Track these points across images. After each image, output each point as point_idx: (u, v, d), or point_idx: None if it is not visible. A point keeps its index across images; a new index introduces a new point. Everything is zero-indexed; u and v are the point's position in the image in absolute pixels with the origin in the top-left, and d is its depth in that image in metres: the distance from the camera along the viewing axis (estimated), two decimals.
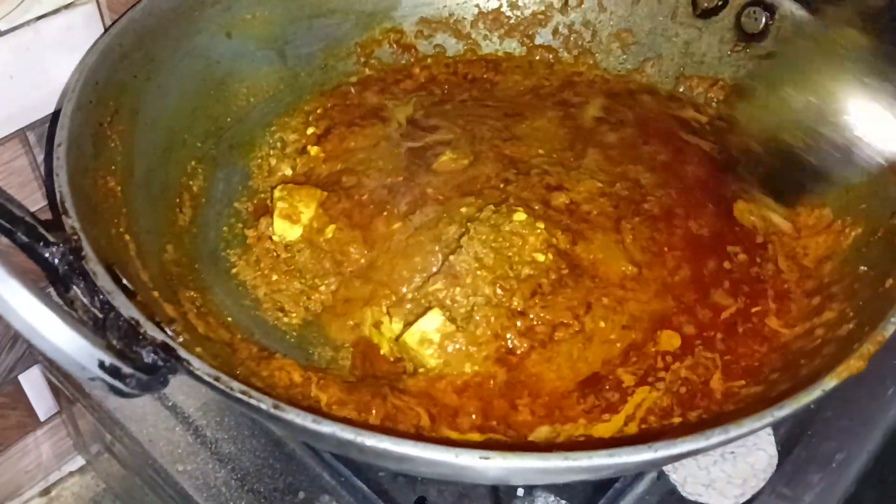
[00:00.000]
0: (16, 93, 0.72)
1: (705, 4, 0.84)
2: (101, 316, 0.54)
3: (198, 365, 0.50)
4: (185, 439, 0.73)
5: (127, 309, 0.52)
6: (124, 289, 0.55)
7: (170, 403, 0.75)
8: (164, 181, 0.73)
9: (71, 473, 1.01)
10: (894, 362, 0.79)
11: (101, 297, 0.53)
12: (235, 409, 0.73)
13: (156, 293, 0.62)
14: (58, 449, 0.98)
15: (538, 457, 0.47)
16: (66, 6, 0.72)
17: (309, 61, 0.87)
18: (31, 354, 0.86)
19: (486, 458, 0.46)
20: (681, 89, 0.86)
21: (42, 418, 0.93)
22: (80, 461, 1.01)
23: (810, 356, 0.59)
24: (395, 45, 0.89)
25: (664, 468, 0.66)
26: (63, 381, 0.82)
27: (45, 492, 1.00)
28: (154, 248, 0.67)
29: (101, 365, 0.46)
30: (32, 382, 0.89)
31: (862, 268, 0.64)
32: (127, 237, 0.64)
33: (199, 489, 0.70)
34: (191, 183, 0.76)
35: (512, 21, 0.91)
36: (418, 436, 0.59)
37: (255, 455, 0.72)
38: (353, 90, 0.85)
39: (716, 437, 0.48)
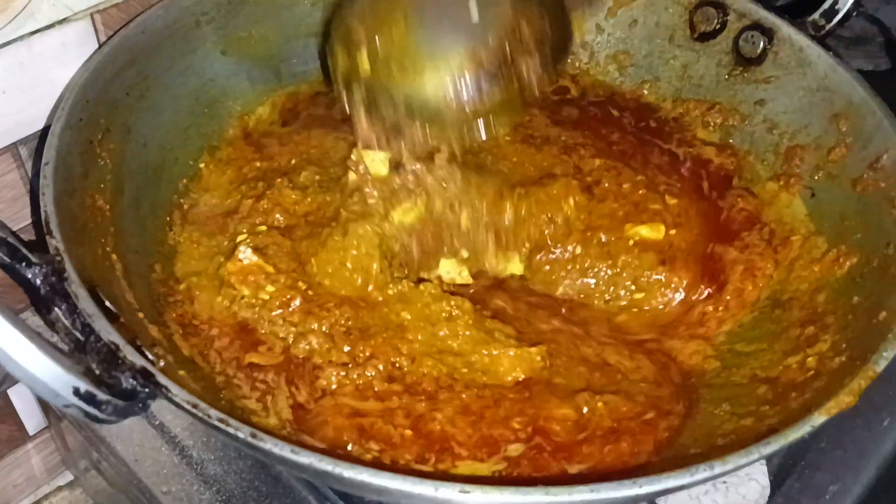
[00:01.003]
0: (8, 107, 0.72)
1: (703, 28, 0.83)
2: (82, 339, 0.53)
3: (176, 391, 0.49)
4: (170, 460, 0.73)
5: (107, 333, 0.51)
6: (106, 311, 0.54)
7: (156, 423, 0.74)
8: (155, 200, 0.73)
9: (60, 488, 1.01)
10: (890, 393, 0.78)
11: (83, 319, 0.53)
12: None
13: (141, 314, 0.61)
14: (48, 463, 0.97)
15: (519, 491, 0.46)
16: (60, 22, 0.72)
17: (305, 79, 0.86)
18: None
19: (466, 493, 0.45)
20: (679, 111, 0.85)
21: (31, 432, 0.93)
22: (69, 476, 1.00)
23: (801, 389, 0.58)
24: None
25: None
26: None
27: None
28: (141, 268, 0.67)
29: (76, 392, 0.46)
30: (22, 396, 0.89)
31: (856, 298, 0.63)
32: (114, 257, 0.63)
33: None
34: (182, 201, 0.75)
35: None
36: (396, 467, 0.58)
37: (241, 477, 0.71)
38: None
39: (700, 473, 0.47)
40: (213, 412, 0.48)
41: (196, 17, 0.78)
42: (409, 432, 0.61)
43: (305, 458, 0.47)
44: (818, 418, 0.50)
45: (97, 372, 0.51)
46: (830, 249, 0.69)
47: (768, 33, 0.79)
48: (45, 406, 0.91)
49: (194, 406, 0.49)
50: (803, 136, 0.76)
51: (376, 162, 0.73)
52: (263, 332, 0.66)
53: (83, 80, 0.67)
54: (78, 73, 0.68)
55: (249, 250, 0.67)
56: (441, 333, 0.67)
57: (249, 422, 0.49)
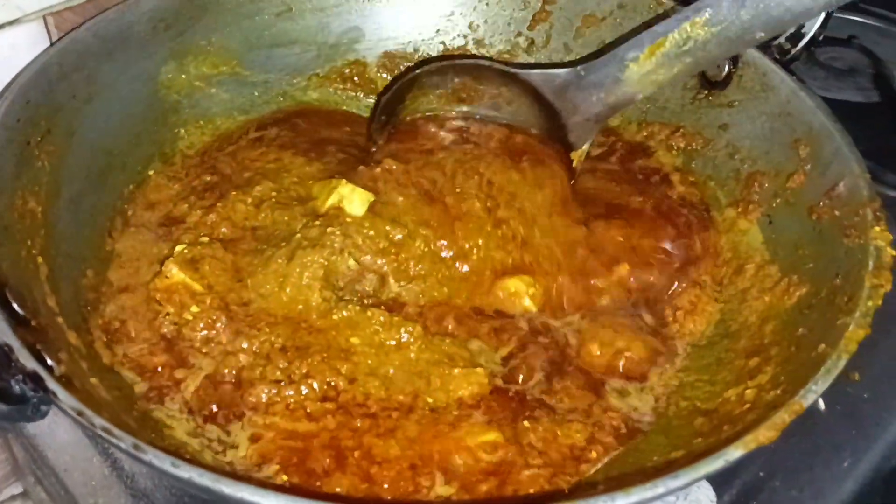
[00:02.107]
0: None
1: None
2: None
3: (63, 397, 0.48)
4: (101, 471, 0.71)
5: (3, 334, 0.50)
6: (12, 313, 0.53)
7: (90, 433, 0.73)
8: (96, 204, 0.72)
9: (13, 497, 0.99)
10: (853, 432, 0.75)
11: None
12: None
13: (60, 319, 0.60)
14: (2, 470, 0.96)
15: None
16: (11, 23, 0.72)
17: (266, 90, 0.86)
18: None
19: None
20: (643, 134, 0.83)
21: None
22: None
23: (735, 422, 0.56)
24: (356, 79, 0.88)
25: None
26: None
27: None
28: (72, 272, 0.66)
29: None
30: None
31: (801, 330, 0.61)
32: (39, 259, 0.62)
33: None
34: (126, 207, 0.74)
35: None
36: (281, 487, 0.56)
37: (171, 492, 0.69)
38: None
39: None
40: (98, 420, 0.47)
41: (153, 23, 0.77)
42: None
43: (185, 472, 0.45)
44: (734, 452, 0.47)
45: None
46: (783, 279, 0.67)
47: (733, 57, 0.77)
48: None
49: (79, 413, 0.47)
50: (764, 161, 0.74)
51: (356, 200, 0.72)
52: (188, 347, 0.64)
53: (24, 80, 0.67)
54: (21, 73, 0.67)
55: (176, 268, 0.66)
56: (391, 360, 0.66)
57: (136, 433, 0.47)
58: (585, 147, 0.76)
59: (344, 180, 0.73)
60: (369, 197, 0.72)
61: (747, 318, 0.67)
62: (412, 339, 0.66)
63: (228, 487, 0.44)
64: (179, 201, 0.76)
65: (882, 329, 0.76)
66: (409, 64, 0.89)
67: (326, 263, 0.68)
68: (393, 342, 0.66)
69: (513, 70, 0.77)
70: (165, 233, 0.74)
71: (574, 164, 0.77)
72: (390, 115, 0.80)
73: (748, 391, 0.59)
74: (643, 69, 0.69)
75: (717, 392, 0.62)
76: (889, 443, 0.73)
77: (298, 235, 0.70)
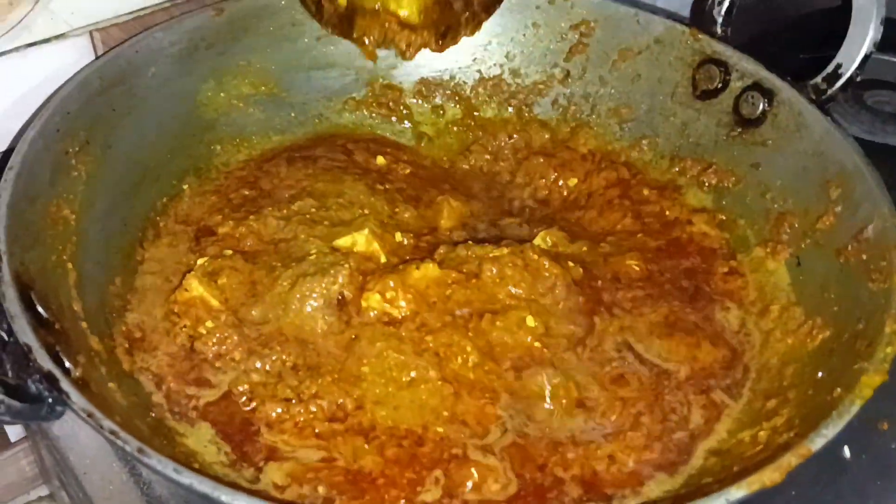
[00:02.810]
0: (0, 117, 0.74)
1: (705, 86, 0.81)
2: (7, 339, 0.54)
3: (75, 398, 0.49)
4: (119, 477, 0.72)
5: (23, 335, 0.52)
6: (35, 316, 0.55)
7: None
8: (129, 215, 0.73)
9: (40, 498, 1.01)
10: (878, 482, 0.73)
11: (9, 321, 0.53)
12: None
13: (84, 324, 0.61)
14: (30, 472, 0.98)
15: None
16: (58, 37, 0.74)
17: (303, 111, 0.87)
18: None
19: None
20: (675, 170, 0.83)
21: (13, 439, 0.94)
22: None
23: (745, 462, 0.55)
24: (391, 104, 0.89)
25: None
26: None
27: None
28: (100, 279, 0.67)
29: None
30: None
31: (820, 374, 0.59)
32: (69, 265, 0.64)
33: None
34: (158, 219, 0.76)
35: (512, 88, 0.90)
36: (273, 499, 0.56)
37: (186, 501, 0.70)
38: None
39: None
40: (107, 423, 0.48)
41: (195, 42, 0.79)
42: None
43: (186, 479, 0.46)
44: (736, 492, 0.46)
45: (9, 371, 0.51)
46: (807, 321, 0.66)
47: (768, 94, 0.76)
48: None
49: (89, 415, 0.48)
50: (794, 201, 0.73)
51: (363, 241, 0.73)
52: (202, 361, 0.66)
53: (66, 92, 0.69)
54: (63, 86, 0.70)
55: (196, 282, 0.67)
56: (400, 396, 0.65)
57: (142, 438, 0.48)
58: None
59: (367, 231, 0.73)
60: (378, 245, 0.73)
61: (769, 360, 0.66)
62: (424, 380, 0.65)
63: (226, 496, 0.45)
64: (213, 213, 0.77)
65: None
66: (445, 91, 0.90)
67: (328, 293, 0.68)
68: (406, 379, 0.65)
69: None
70: (195, 245, 0.75)
71: None
72: None
73: (762, 433, 0.58)
74: None
75: (734, 432, 0.61)
76: None
77: (312, 256, 0.71)
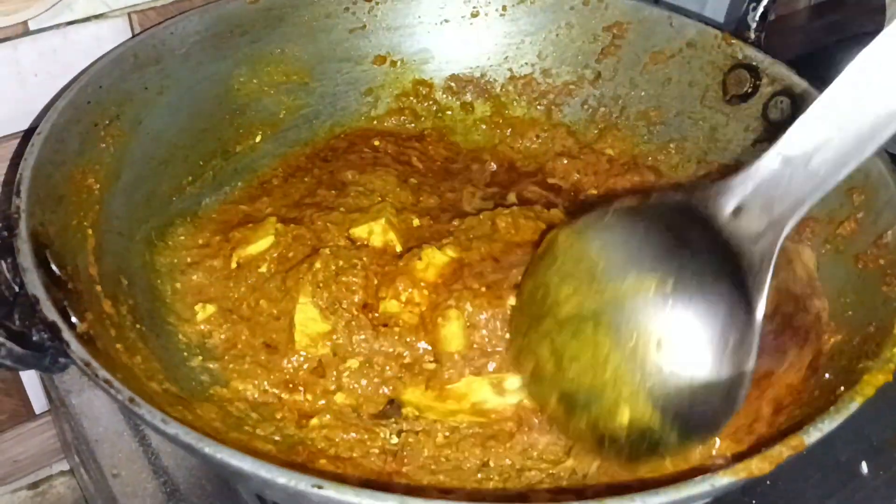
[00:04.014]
0: (38, 91, 0.77)
1: (735, 90, 0.80)
2: (18, 291, 0.55)
3: (74, 347, 0.50)
4: (129, 445, 0.74)
5: (32, 287, 0.53)
6: (47, 271, 0.56)
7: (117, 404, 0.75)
8: (153, 191, 0.75)
9: (62, 472, 1.03)
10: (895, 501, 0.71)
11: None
12: None
13: (98, 287, 0.63)
14: (51, 445, 1.00)
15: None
16: (97, 16, 0.77)
17: (332, 102, 0.88)
18: None
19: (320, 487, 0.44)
20: (701, 174, 0.82)
21: (37, 411, 0.96)
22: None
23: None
24: (421, 99, 0.90)
25: None
26: (50, 384, 0.84)
27: (34, 486, 1.02)
28: (118, 248, 0.69)
29: None
30: (30, 375, 0.92)
31: (827, 375, 0.58)
32: (89, 231, 0.66)
33: (126, 495, 0.70)
34: (179, 199, 0.77)
35: (543, 88, 0.90)
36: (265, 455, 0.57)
37: (190, 473, 0.71)
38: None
39: None
40: (102, 372, 0.49)
41: (230, 28, 0.81)
42: None
43: (172, 429, 0.46)
44: (721, 479, 0.45)
45: (16, 322, 0.53)
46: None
47: (799, 100, 0.75)
48: (47, 391, 0.94)
49: (86, 364, 0.49)
50: (817, 207, 0.71)
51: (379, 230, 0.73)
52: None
53: (100, 66, 0.71)
54: (97, 60, 0.72)
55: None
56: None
57: (134, 388, 0.49)
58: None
59: (384, 220, 0.73)
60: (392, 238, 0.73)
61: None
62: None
63: (209, 447, 0.45)
64: (239, 201, 0.80)
65: None
66: (476, 88, 0.90)
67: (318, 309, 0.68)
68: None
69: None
70: (214, 229, 0.77)
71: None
72: None
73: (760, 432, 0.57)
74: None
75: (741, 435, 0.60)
76: None
77: (327, 251, 0.70)
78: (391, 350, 0.67)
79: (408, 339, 0.67)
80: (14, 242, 0.56)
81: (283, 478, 0.44)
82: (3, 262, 0.56)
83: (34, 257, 0.56)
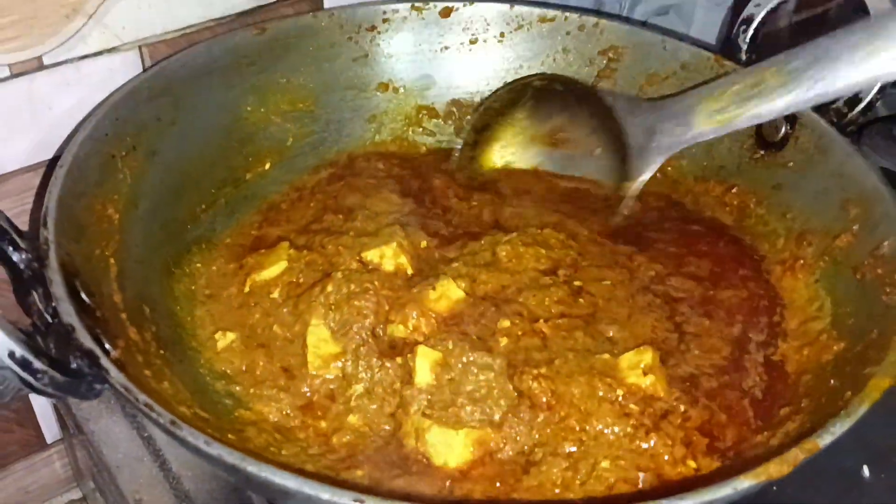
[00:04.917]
0: (53, 123, 0.78)
1: None
2: (51, 322, 0.57)
3: (113, 374, 0.51)
4: (150, 471, 0.75)
5: (67, 315, 0.55)
6: (78, 301, 0.58)
7: (145, 434, 0.77)
8: (169, 219, 0.77)
9: (72, 501, 1.04)
10: None
11: (54, 305, 0.56)
12: None
13: (123, 315, 0.64)
14: (62, 474, 1.01)
15: None
16: (109, 50, 0.79)
17: (337, 129, 0.91)
18: None
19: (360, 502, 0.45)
20: (699, 189, 0.85)
21: (49, 441, 0.97)
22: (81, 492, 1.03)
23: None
24: (424, 124, 0.93)
25: None
26: (63, 409, 0.86)
27: None
28: (139, 276, 0.70)
29: (11, 355, 0.49)
30: (42, 405, 0.93)
31: (832, 381, 0.61)
32: (111, 260, 0.67)
33: None
34: (193, 227, 0.79)
35: None
36: (301, 470, 0.58)
37: (212, 496, 0.73)
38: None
39: None
40: (142, 397, 0.50)
41: (237, 59, 0.83)
42: None
43: (215, 451, 0.48)
44: (744, 482, 0.48)
45: (52, 350, 0.54)
46: (822, 334, 0.67)
47: (791, 118, 0.78)
48: (61, 419, 0.95)
49: (126, 389, 0.51)
50: (814, 221, 0.75)
51: (390, 253, 0.75)
52: None
53: (115, 99, 0.73)
54: (113, 93, 0.74)
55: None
56: None
57: (174, 411, 0.51)
58: (642, 178, 0.79)
59: (395, 245, 0.75)
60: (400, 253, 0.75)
61: (786, 370, 0.67)
62: None
63: (253, 467, 0.47)
64: (252, 227, 0.82)
65: None
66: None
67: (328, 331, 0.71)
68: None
69: (600, 92, 0.84)
70: (229, 254, 0.79)
71: (623, 194, 0.80)
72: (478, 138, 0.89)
73: (773, 439, 0.59)
74: (714, 106, 0.73)
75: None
76: None
77: (339, 275, 0.72)
78: (390, 383, 0.68)
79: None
80: (45, 273, 0.58)
81: (326, 493, 0.46)
82: (34, 292, 0.58)
83: (66, 287, 0.57)
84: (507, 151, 0.90)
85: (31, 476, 0.98)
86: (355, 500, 0.45)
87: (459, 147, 0.91)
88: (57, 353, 0.54)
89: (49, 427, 0.96)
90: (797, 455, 0.49)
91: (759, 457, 0.56)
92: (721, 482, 0.47)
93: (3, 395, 0.51)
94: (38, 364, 0.50)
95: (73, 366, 0.53)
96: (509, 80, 0.93)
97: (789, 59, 0.69)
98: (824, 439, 0.50)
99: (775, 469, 0.48)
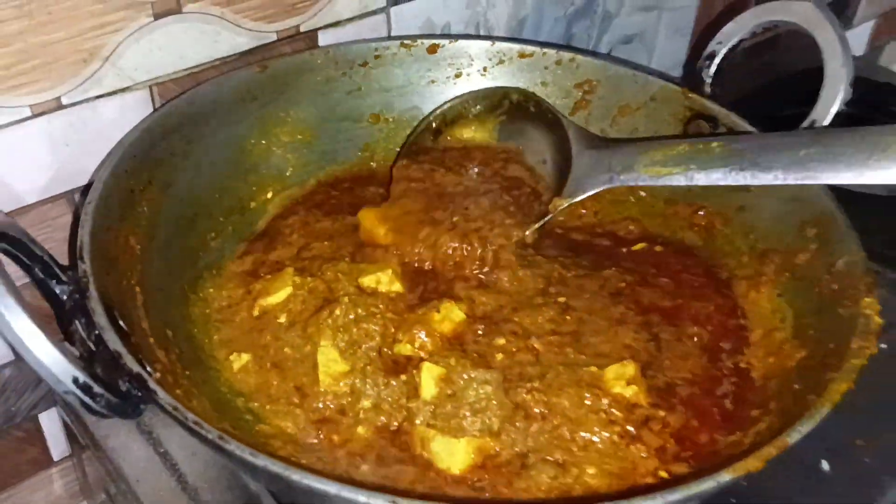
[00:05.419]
0: (69, 159, 0.83)
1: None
2: (94, 349, 0.62)
3: (161, 395, 0.57)
4: (168, 484, 0.79)
5: (113, 343, 0.60)
6: (118, 329, 0.63)
7: (161, 450, 0.82)
8: (184, 247, 0.82)
9: None
10: (854, 492, 0.81)
11: (97, 333, 0.62)
12: (218, 462, 0.80)
13: (151, 339, 0.70)
14: (69, 490, 1.05)
15: None
16: (122, 90, 0.84)
17: (333, 158, 0.97)
18: (52, 395, 0.94)
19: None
20: (669, 212, 0.92)
21: (56, 458, 1.01)
22: None
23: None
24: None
25: None
26: (77, 427, 0.90)
27: None
28: (161, 303, 0.76)
29: (76, 381, 0.54)
30: (50, 422, 0.97)
31: (796, 386, 0.68)
32: (137, 289, 0.73)
33: None
34: (205, 254, 0.85)
35: None
36: (350, 480, 0.64)
37: None
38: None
39: None
40: (191, 415, 0.56)
41: (242, 95, 0.89)
42: None
43: (261, 462, 0.54)
44: (725, 476, 0.54)
45: (100, 373, 0.59)
46: (785, 343, 0.74)
47: None
48: (70, 435, 0.99)
49: (174, 408, 0.56)
50: (775, 240, 0.82)
51: (386, 280, 0.81)
52: None
53: (132, 138, 0.78)
54: (129, 133, 0.79)
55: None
56: None
57: (224, 429, 0.56)
58: (571, 200, 0.85)
59: (391, 269, 0.82)
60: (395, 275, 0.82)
61: (753, 376, 0.75)
62: None
63: (296, 475, 0.53)
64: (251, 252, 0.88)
65: (885, 400, 0.84)
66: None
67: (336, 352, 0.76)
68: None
69: (566, 119, 0.91)
70: (239, 281, 0.85)
71: (550, 209, 0.86)
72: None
73: (746, 438, 0.66)
74: (657, 158, 0.80)
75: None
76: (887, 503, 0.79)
77: (346, 300, 0.77)
78: (396, 399, 0.74)
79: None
80: (88, 304, 0.63)
81: (363, 497, 0.52)
82: (77, 322, 0.63)
83: (107, 316, 0.63)
84: None
85: (38, 493, 1.02)
86: (390, 502, 0.51)
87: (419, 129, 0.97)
88: (105, 375, 0.59)
89: (56, 445, 1.00)
90: (770, 451, 0.56)
91: (734, 455, 0.63)
92: (705, 476, 0.54)
93: None
94: (97, 389, 0.55)
95: (123, 388, 0.58)
96: None
97: (738, 140, 0.78)
98: (793, 437, 0.57)
99: (751, 464, 0.55)
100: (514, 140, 0.95)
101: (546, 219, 0.86)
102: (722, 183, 0.77)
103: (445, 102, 0.97)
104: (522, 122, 0.95)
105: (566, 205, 0.85)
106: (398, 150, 0.98)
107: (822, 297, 0.74)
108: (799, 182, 0.72)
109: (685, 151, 0.79)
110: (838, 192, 0.79)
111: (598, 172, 0.84)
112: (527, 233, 0.85)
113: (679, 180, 0.79)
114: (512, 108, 0.95)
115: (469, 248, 0.83)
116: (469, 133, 0.97)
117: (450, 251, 0.84)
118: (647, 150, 0.82)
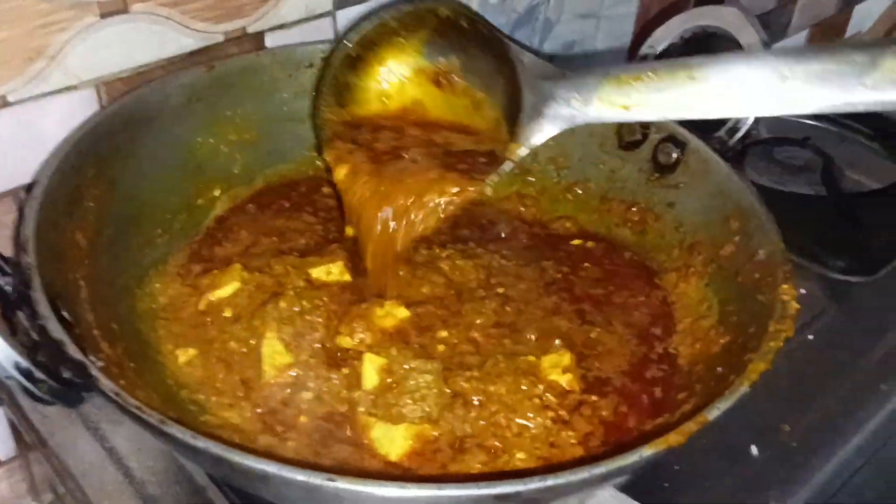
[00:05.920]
0: (15, 156, 0.84)
1: (628, 138, 0.95)
2: (37, 339, 0.63)
3: (104, 382, 0.59)
4: (115, 478, 0.80)
5: (56, 332, 0.61)
6: (61, 318, 0.64)
7: (108, 446, 0.83)
8: (130, 244, 0.83)
9: None
10: (781, 474, 0.84)
11: (40, 323, 0.63)
12: (164, 455, 0.81)
13: (96, 332, 0.71)
14: (16, 491, 1.05)
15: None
16: (69, 88, 0.85)
17: (280, 157, 0.99)
18: None
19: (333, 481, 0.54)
20: (605, 209, 0.96)
21: (2, 458, 1.01)
22: None
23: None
24: None
25: None
26: (23, 425, 0.91)
27: None
28: (108, 297, 0.77)
29: (17, 366, 0.55)
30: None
31: (719, 369, 0.72)
32: (82, 283, 0.74)
33: None
34: (151, 250, 0.86)
35: None
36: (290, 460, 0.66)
37: (177, 500, 0.79)
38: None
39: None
40: (131, 400, 0.58)
41: (188, 96, 0.90)
42: None
43: (202, 444, 0.56)
44: (647, 451, 0.58)
45: (42, 360, 0.61)
46: (711, 329, 0.78)
47: (681, 145, 0.90)
48: (17, 435, 0.99)
49: (116, 394, 0.58)
50: (702, 233, 0.86)
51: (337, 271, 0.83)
52: None
53: (79, 135, 0.80)
54: (76, 129, 0.80)
55: None
56: None
57: (165, 413, 0.58)
58: (531, 143, 0.75)
59: (341, 262, 0.84)
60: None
61: (679, 362, 0.79)
62: None
63: (238, 456, 0.55)
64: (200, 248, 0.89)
65: (809, 387, 0.89)
66: None
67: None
68: None
69: (507, 41, 0.76)
70: (185, 273, 0.86)
71: (508, 157, 0.76)
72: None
73: (672, 419, 0.70)
74: (618, 89, 0.69)
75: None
76: (813, 484, 0.84)
77: (291, 292, 0.80)
78: (336, 392, 0.76)
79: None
80: (31, 294, 0.64)
81: (301, 476, 0.54)
82: (20, 312, 0.64)
83: (50, 307, 0.64)
84: (391, 77, 0.86)
85: None
86: (327, 479, 0.53)
87: (329, 57, 0.88)
88: (48, 364, 0.60)
89: (2, 445, 1.00)
90: (690, 427, 0.59)
91: (659, 432, 0.67)
92: (629, 451, 0.57)
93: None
94: (39, 374, 0.56)
95: (65, 375, 0.60)
96: None
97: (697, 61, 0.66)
98: (713, 413, 0.61)
99: (673, 439, 0.58)
100: (444, 72, 0.83)
101: (504, 166, 0.75)
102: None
103: (359, 21, 0.85)
104: (455, 42, 0.81)
105: (525, 151, 0.74)
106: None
107: (744, 286, 0.78)
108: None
109: (658, 74, 0.66)
110: (769, 192, 0.84)
111: (557, 108, 0.71)
112: (486, 181, 0.76)
113: (649, 115, 0.69)
114: (440, 25, 0.81)
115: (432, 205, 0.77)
116: (392, 57, 0.85)
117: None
118: (607, 82, 0.69)
